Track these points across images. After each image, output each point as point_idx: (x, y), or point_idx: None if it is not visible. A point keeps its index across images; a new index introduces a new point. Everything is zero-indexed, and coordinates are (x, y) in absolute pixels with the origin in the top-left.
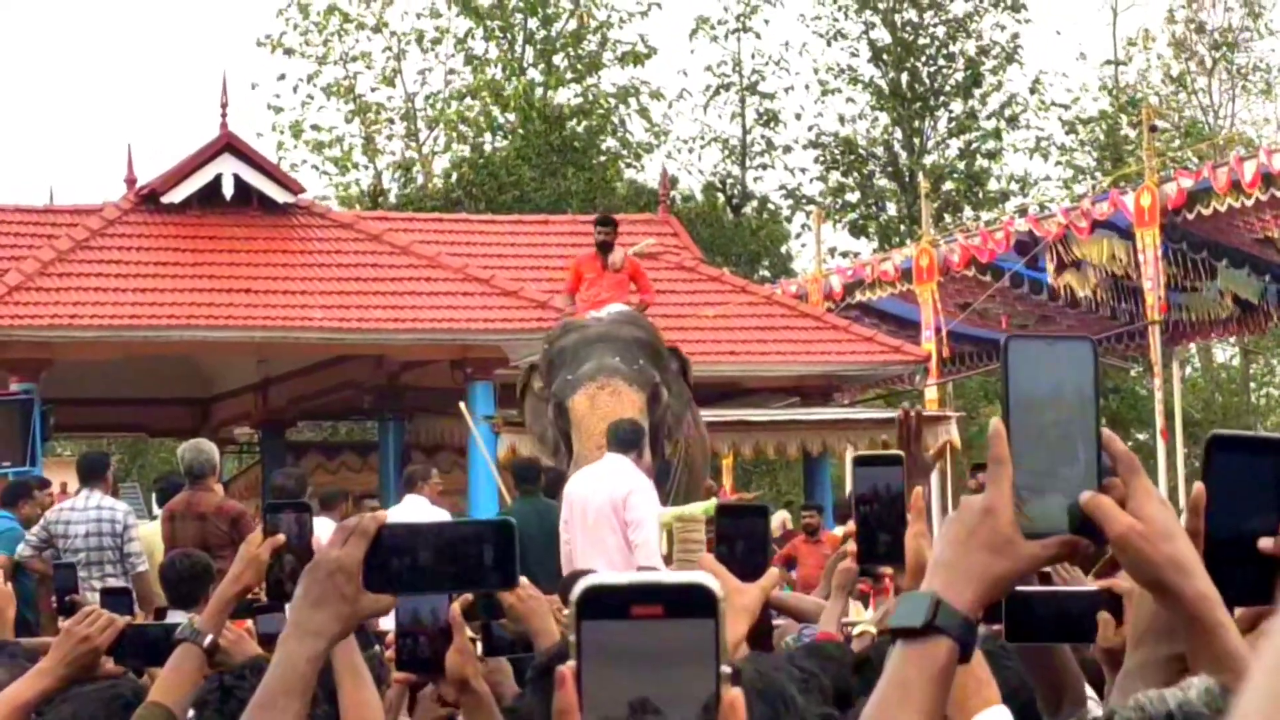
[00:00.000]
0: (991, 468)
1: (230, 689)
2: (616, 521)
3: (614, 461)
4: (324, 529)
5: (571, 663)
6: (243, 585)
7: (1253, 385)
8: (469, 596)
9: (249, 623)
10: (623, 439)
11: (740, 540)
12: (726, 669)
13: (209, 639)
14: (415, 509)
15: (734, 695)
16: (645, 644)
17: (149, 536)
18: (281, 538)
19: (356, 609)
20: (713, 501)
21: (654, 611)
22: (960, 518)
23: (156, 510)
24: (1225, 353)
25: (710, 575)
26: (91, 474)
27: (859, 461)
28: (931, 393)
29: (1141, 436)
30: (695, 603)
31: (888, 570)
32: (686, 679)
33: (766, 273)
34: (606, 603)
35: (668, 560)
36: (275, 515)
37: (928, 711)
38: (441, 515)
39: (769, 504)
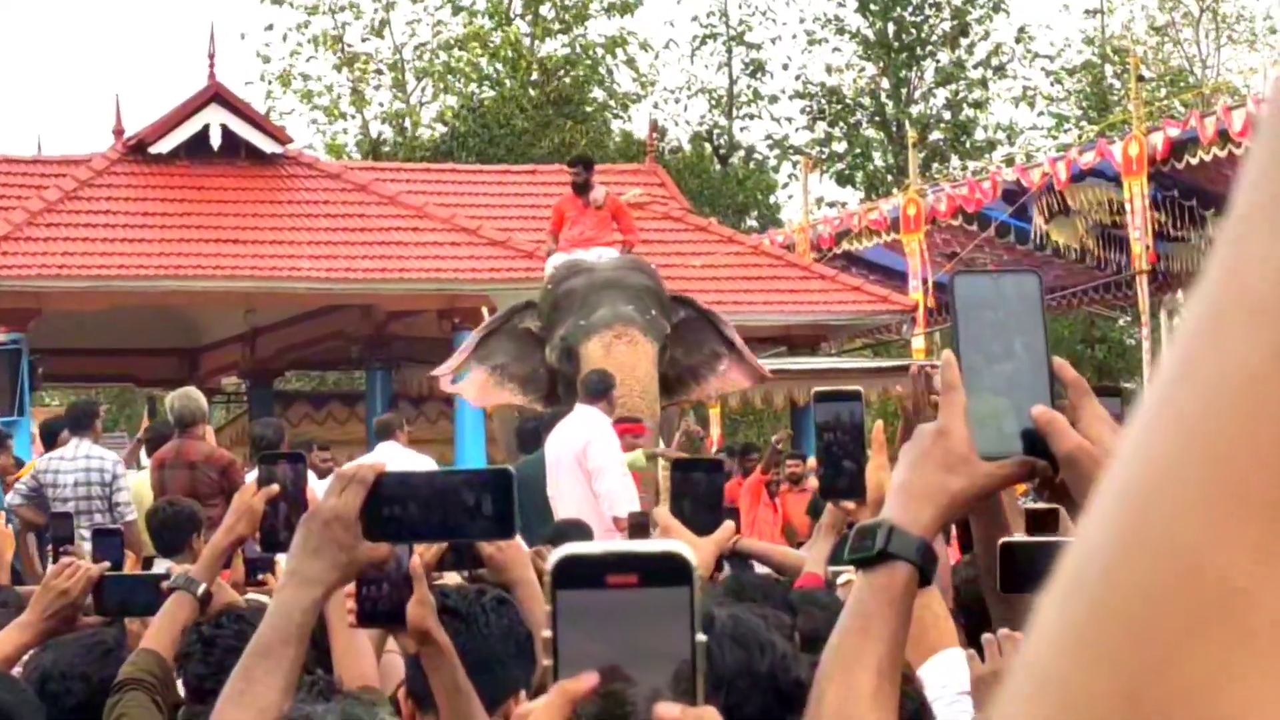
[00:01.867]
0: (944, 393)
1: (211, 639)
2: (580, 472)
3: (580, 412)
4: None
5: (548, 632)
6: (236, 536)
7: None
8: (443, 546)
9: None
10: (591, 389)
11: (695, 495)
12: (702, 637)
13: (202, 588)
14: (390, 456)
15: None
16: (621, 613)
17: (137, 486)
18: (276, 488)
19: (354, 557)
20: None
21: (629, 581)
22: (915, 441)
23: (145, 460)
24: None
25: (685, 544)
26: (79, 424)
27: (819, 397)
28: (919, 342)
29: (1130, 386)
30: (670, 571)
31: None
32: (662, 647)
33: (754, 223)
34: (582, 572)
35: (655, 504)
36: (270, 466)
37: (888, 639)
38: (423, 461)
39: (723, 457)
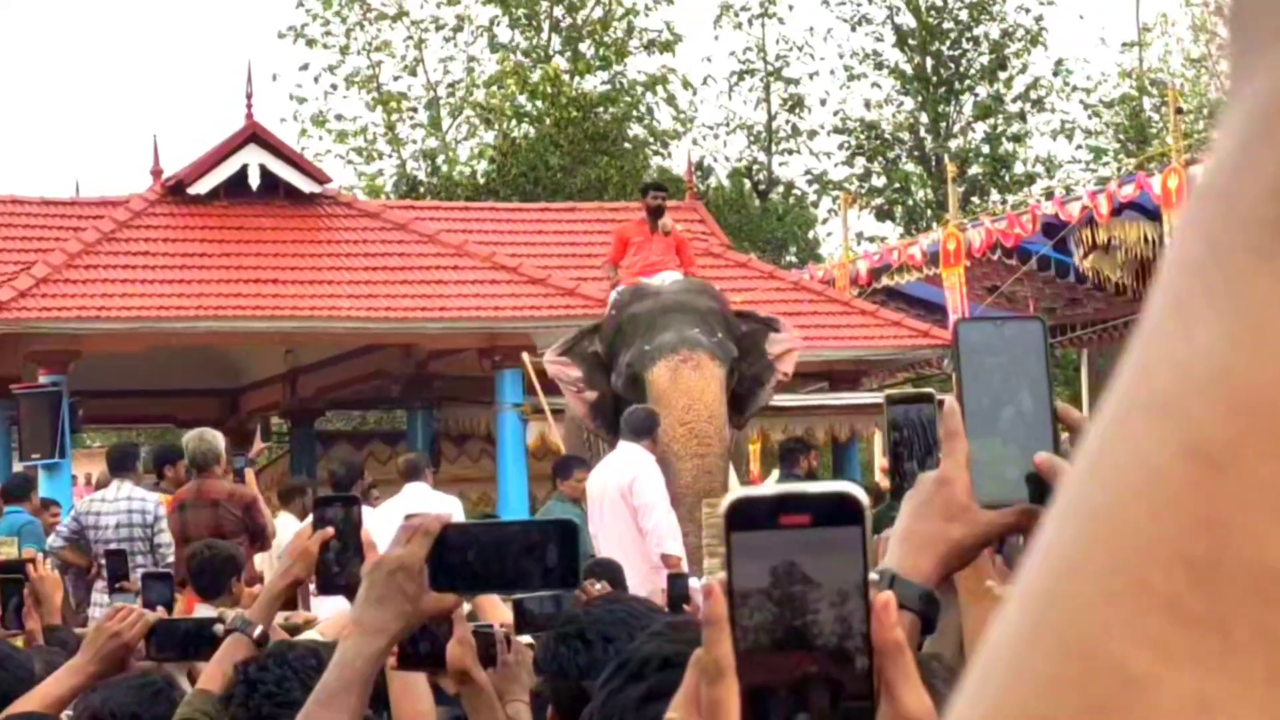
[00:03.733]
0: (946, 442)
1: (254, 682)
2: (625, 508)
3: (624, 449)
4: (285, 527)
5: (722, 574)
6: (293, 578)
7: None
8: None
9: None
10: (635, 427)
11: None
12: (874, 575)
13: (259, 630)
14: (418, 496)
15: (886, 596)
16: (794, 552)
17: None
18: (330, 530)
19: (419, 608)
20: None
21: (801, 520)
22: (917, 490)
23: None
24: None
25: (856, 485)
26: (121, 465)
27: (892, 400)
28: None
29: None
30: (842, 511)
31: None
32: (834, 582)
33: (794, 258)
34: (754, 513)
35: (697, 545)
36: (325, 508)
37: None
38: (450, 502)
39: None
